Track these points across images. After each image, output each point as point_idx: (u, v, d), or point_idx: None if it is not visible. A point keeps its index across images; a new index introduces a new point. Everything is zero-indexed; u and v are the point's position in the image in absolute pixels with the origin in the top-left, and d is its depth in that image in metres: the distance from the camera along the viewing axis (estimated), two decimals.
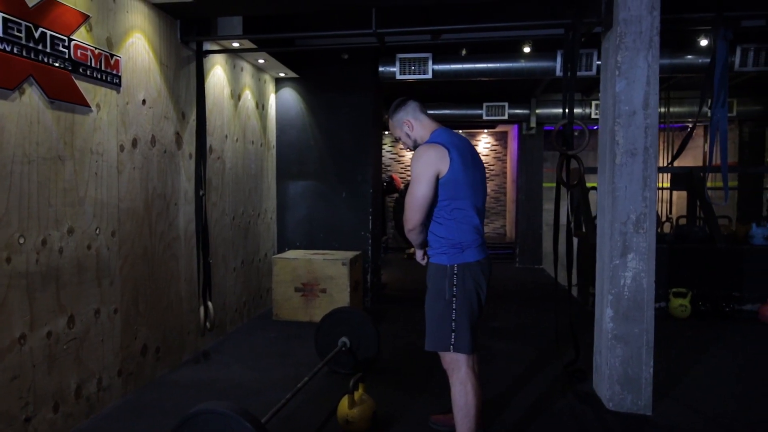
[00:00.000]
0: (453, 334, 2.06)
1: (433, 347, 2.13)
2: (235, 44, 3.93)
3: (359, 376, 2.52)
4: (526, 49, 4.69)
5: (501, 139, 9.98)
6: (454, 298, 2.06)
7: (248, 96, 4.58)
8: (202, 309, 3.57)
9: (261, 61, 4.52)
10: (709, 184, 5.27)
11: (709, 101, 3.17)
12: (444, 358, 2.15)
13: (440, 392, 2.94)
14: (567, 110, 3.03)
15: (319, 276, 4.50)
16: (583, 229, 5.24)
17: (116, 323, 2.83)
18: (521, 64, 4.80)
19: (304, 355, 3.64)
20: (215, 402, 1.83)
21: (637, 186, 2.65)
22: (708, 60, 4.45)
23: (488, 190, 9.82)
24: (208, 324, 3.61)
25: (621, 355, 2.71)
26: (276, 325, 4.43)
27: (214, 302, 3.72)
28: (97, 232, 2.69)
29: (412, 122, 2.22)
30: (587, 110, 6.83)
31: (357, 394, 2.48)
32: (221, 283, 4.07)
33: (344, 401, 2.48)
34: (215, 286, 3.89)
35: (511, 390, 3.03)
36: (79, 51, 2.50)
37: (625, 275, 2.69)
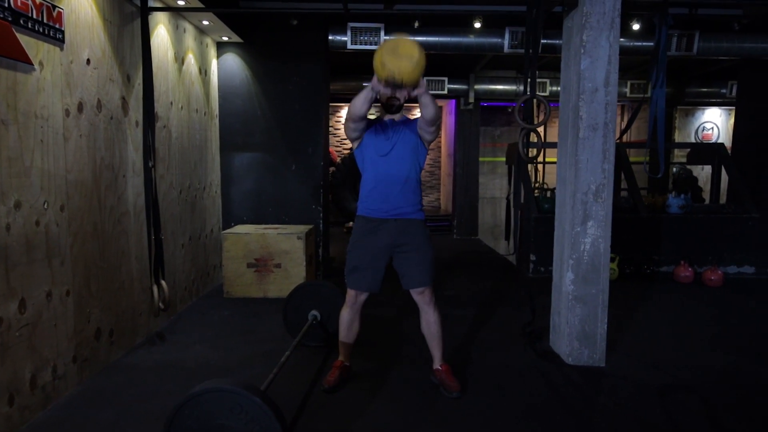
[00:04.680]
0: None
1: (431, 281, 2.60)
2: (181, 2, 3.63)
3: None
4: (477, 25, 4.79)
5: None
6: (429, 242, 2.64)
7: (191, 60, 4.26)
8: (155, 288, 3.36)
9: (205, 22, 4.21)
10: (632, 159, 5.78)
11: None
12: (430, 292, 2.60)
13: (415, 358, 3.03)
14: (529, 86, 3.16)
15: (273, 251, 4.39)
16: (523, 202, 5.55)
17: (69, 306, 2.59)
18: (471, 39, 4.89)
19: (266, 331, 3.57)
20: (217, 380, 1.76)
21: (598, 158, 2.85)
22: (639, 44, 4.82)
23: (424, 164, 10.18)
24: (161, 304, 3.41)
25: (580, 314, 2.95)
26: (229, 303, 4.28)
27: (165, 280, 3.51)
28: (45, 206, 2.41)
29: None
30: (520, 87, 7.13)
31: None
32: (170, 260, 3.83)
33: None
34: (165, 263, 3.66)
35: (475, 351, 3.20)
36: None
37: (585, 241, 2.91)
